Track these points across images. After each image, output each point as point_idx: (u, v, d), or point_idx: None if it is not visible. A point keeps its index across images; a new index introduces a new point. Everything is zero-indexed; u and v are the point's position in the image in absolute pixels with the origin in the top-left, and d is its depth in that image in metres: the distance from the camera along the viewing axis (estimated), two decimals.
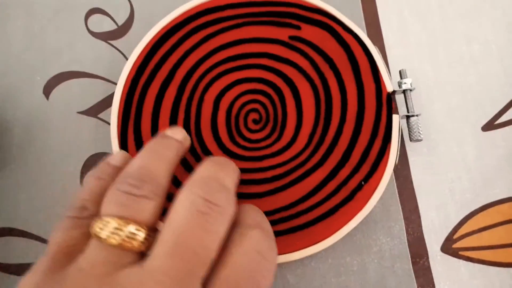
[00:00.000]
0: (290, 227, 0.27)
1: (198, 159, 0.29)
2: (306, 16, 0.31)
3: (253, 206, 0.22)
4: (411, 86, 0.29)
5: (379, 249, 0.29)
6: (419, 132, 0.29)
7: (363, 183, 0.27)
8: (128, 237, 0.18)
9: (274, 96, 0.30)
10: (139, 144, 0.29)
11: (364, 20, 0.34)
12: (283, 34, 0.31)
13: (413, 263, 0.29)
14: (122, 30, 0.35)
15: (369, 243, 0.29)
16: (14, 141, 0.32)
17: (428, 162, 0.31)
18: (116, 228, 0.19)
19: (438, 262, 0.29)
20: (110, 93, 0.33)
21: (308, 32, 0.31)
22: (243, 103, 0.30)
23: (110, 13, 0.35)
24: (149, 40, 0.31)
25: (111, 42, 0.34)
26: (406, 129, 0.31)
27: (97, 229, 0.19)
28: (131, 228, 0.19)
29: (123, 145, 0.29)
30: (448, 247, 0.29)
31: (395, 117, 0.29)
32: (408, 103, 0.29)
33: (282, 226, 0.27)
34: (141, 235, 0.19)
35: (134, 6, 0.35)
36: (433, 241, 0.29)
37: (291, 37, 0.31)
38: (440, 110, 0.32)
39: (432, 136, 0.32)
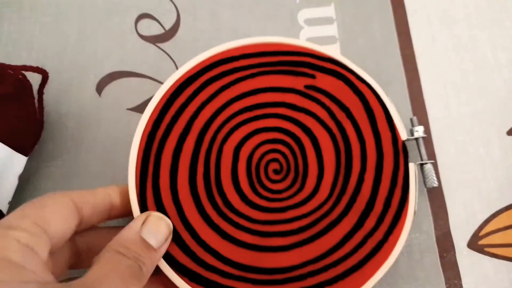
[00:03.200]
0: (320, 281, 0.24)
1: (221, 214, 0.25)
2: (320, 65, 0.27)
3: None
4: (423, 134, 0.26)
5: (409, 244, 0.28)
6: (433, 178, 0.26)
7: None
8: None
9: (293, 145, 0.26)
10: (158, 202, 0.25)
11: (395, 28, 0.33)
12: (299, 83, 0.27)
13: (441, 257, 0.28)
14: (169, 33, 0.34)
15: None
16: (68, 133, 0.31)
17: (456, 162, 0.30)
18: None
19: (465, 257, 0.28)
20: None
21: (323, 81, 0.27)
22: (263, 153, 0.26)
23: (158, 18, 0.34)
24: (164, 93, 0.26)
25: (159, 44, 0.34)
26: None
27: None
28: None
29: (143, 203, 0.25)
30: (474, 243, 0.28)
31: (411, 166, 0.26)
32: (421, 150, 0.26)
33: (312, 281, 0.24)
34: None
35: (180, 12, 0.34)
36: (460, 237, 0.28)
37: (306, 86, 0.27)
38: (468, 113, 0.31)
39: (460, 138, 0.30)
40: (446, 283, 0.27)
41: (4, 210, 0.26)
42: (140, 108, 0.32)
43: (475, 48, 0.33)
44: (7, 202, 0.27)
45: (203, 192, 0.25)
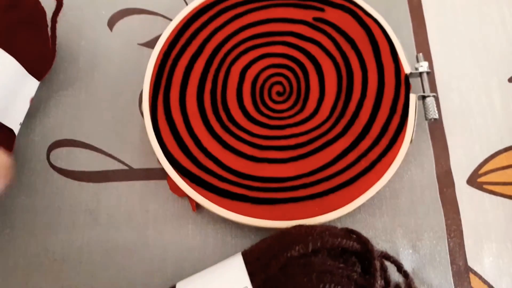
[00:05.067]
0: (311, 193, 0.24)
1: (224, 126, 0.26)
2: (330, 0, 0.28)
3: None
4: (427, 69, 0.26)
5: (410, 179, 0.28)
6: (434, 110, 0.26)
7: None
8: None
9: (297, 70, 0.27)
10: (167, 111, 0.26)
11: None
12: (308, 15, 0.28)
13: (441, 193, 0.28)
14: None
15: (400, 173, 0.27)
16: (79, 65, 0.31)
17: (458, 108, 0.30)
18: None
19: (464, 193, 0.28)
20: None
21: (332, 14, 0.28)
22: (268, 76, 0.27)
23: None
24: (182, 18, 0.28)
25: None
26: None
27: None
28: None
29: (153, 110, 0.26)
30: (474, 181, 0.28)
31: (412, 96, 0.26)
32: (424, 84, 0.27)
33: (303, 192, 0.24)
34: None
35: None
36: (460, 174, 0.28)
37: (315, 19, 0.28)
38: (472, 64, 0.31)
39: (463, 85, 0.30)
40: (445, 217, 0.27)
41: (16, 131, 0.27)
42: (151, 44, 0.31)
43: (480, 3, 0.33)
44: (19, 123, 0.27)
45: (209, 106, 0.27)
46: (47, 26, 0.29)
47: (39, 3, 0.28)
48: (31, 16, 0.27)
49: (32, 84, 0.27)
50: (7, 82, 0.25)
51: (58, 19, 0.30)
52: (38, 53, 0.28)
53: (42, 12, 0.28)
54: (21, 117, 0.27)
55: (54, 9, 0.29)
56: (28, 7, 0.27)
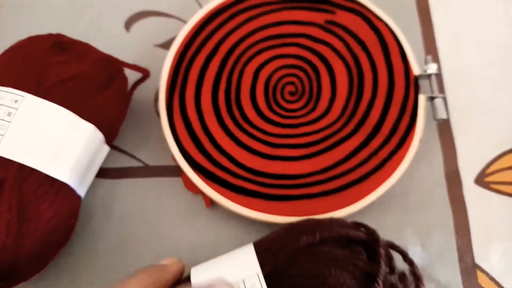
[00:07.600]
0: (323, 190, 0.25)
1: (238, 124, 0.27)
2: (340, 3, 0.29)
3: None
4: (435, 71, 0.28)
5: (419, 178, 0.28)
6: (443, 111, 0.27)
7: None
8: None
9: (309, 71, 0.28)
10: (183, 109, 0.27)
11: None
12: (320, 18, 0.29)
13: (449, 192, 0.29)
14: None
15: (409, 172, 0.27)
16: None
17: (467, 107, 0.31)
18: None
19: (471, 192, 0.29)
20: None
21: (343, 17, 0.29)
22: (280, 76, 0.28)
23: None
24: (197, 20, 0.29)
25: None
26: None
27: None
28: None
29: (169, 108, 0.27)
30: (481, 180, 0.29)
31: (421, 97, 0.27)
32: (432, 86, 0.28)
33: (315, 189, 0.25)
34: None
35: None
36: (468, 174, 0.29)
37: (327, 21, 0.29)
38: (479, 65, 0.32)
39: (470, 84, 0.31)
40: (453, 215, 0.28)
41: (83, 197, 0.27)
42: (166, 45, 0.32)
43: (487, 4, 0.34)
44: (86, 190, 0.27)
45: (223, 105, 0.28)
46: (128, 95, 0.29)
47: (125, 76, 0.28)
48: (121, 89, 0.28)
49: (105, 152, 0.28)
50: (91, 154, 0.25)
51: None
52: (117, 121, 0.28)
53: (126, 82, 0.29)
54: (89, 184, 0.27)
55: (137, 79, 0.29)
56: (121, 82, 0.28)
